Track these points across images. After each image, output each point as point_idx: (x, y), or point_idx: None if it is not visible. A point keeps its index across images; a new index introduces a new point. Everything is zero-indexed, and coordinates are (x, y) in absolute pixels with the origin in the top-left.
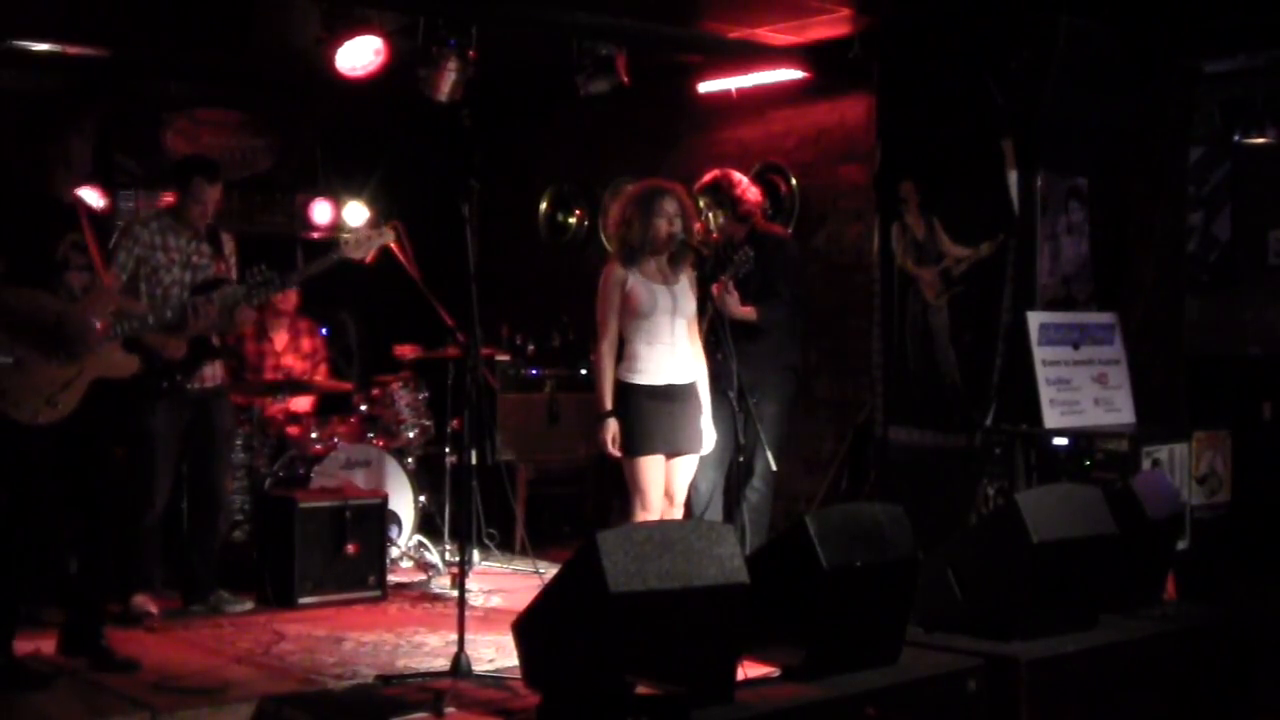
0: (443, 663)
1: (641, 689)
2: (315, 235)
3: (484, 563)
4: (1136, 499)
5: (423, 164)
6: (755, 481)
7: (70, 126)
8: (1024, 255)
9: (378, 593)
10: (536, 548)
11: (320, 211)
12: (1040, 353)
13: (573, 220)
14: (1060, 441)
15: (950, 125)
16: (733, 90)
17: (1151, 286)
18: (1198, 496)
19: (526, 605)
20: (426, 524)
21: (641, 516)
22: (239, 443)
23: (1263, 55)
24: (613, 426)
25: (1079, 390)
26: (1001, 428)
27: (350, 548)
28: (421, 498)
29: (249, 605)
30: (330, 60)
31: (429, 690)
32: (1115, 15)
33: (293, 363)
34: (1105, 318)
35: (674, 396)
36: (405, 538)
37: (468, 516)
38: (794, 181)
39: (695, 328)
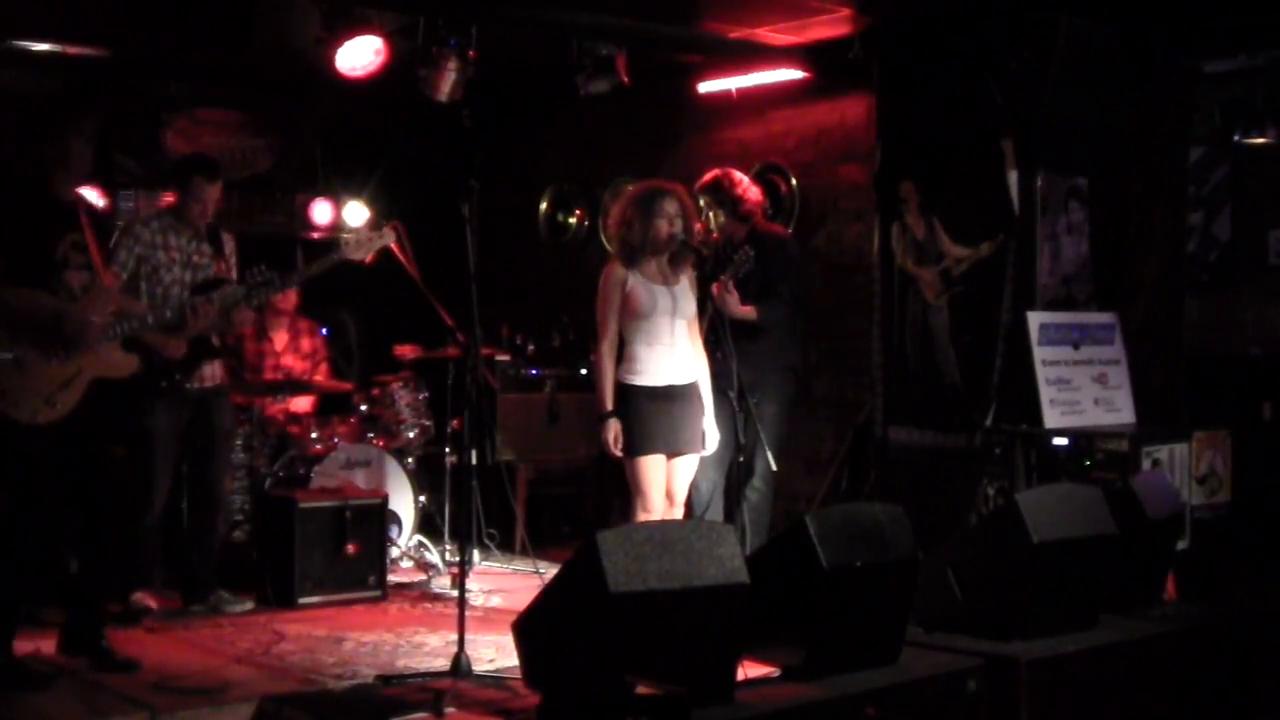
0: (443, 663)
1: (641, 689)
2: (315, 235)
3: (484, 563)
4: (1136, 499)
5: (423, 164)
6: (755, 481)
7: (70, 127)
8: (1024, 255)
9: (378, 593)
10: (536, 548)
11: (320, 211)
12: (1040, 353)
13: (573, 220)
14: (1060, 441)
15: (950, 125)
16: (733, 90)
17: (1151, 286)
18: (1198, 496)
19: (526, 605)
20: (426, 524)
21: (642, 517)
22: (239, 443)
23: (1263, 55)
24: (615, 427)
25: (1079, 390)
26: (1001, 428)
27: (350, 548)
28: (421, 498)
29: (249, 605)
30: (330, 60)
31: (429, 690)
32: (1115, 15)
33: (293, 363)
34: (1105, 318)
35: (674, 397)
36: (405, 538)
37: (468, 516)
38: (794, 181)
39: (696, 328)
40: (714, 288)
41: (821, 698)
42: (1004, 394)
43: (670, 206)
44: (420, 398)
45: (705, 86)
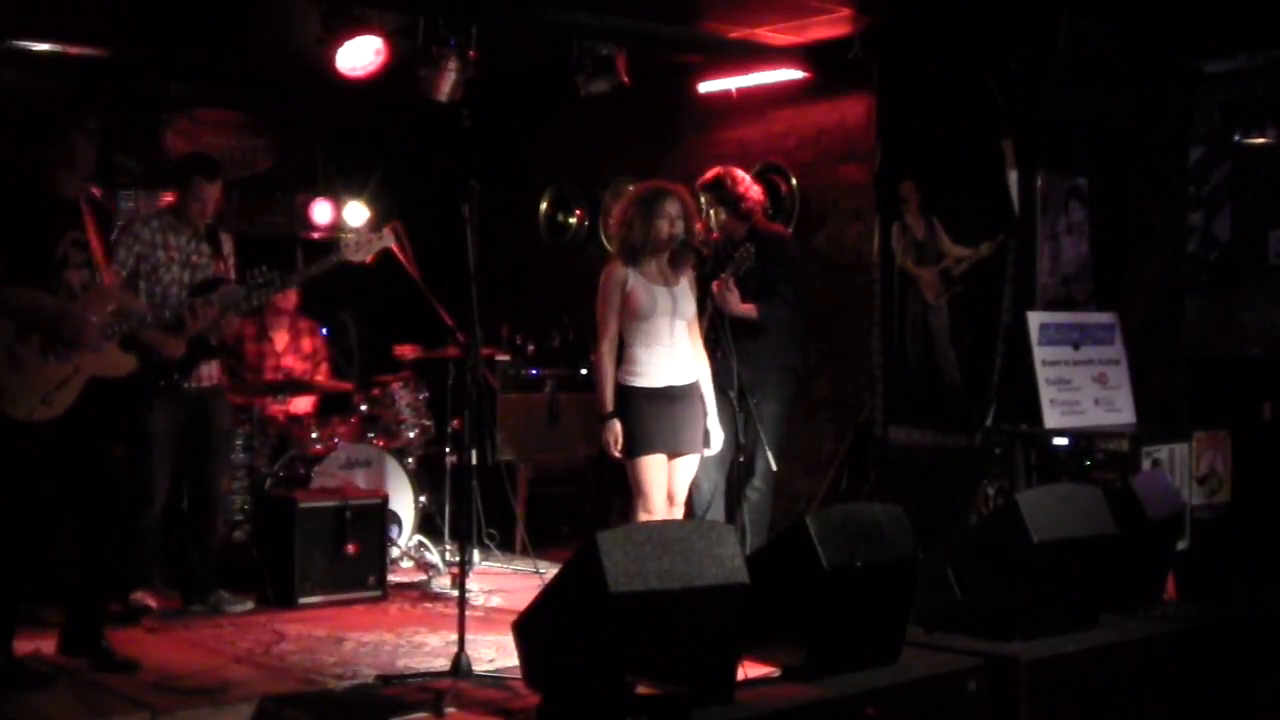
0: (443, 663)
1: (642, 689)
2: (315, 235)
3: (484, 563)
4: (1136, 499)
5: (423, 164)
6: (755, 481)
7: (75, 125)
8: (1024, 255)
9: (378, 593)
10: (536, 548)
11: (320, 211)
12: (1040, 353)
13: (573, 220)
14: (1060, 441)
15: (950, 125)
16: (733, 90)
17: (1151, 286)
18: (1198, 496)
19: (527, 605)
20: (427, 524)
21: (643, 517)
22: (239, 443)
23: (1263, 55)
24: (615, 428)
25: (1079, 390)
26: (1001, 428)
27: (350, 548)
28: (422, 498)
29: (249, 605)
30: (330, 60)
31: (429, 690)
32: (1115, 15)
33: (293, 363)
34: (1105, 318)
35: (674, 397)
36: (405, 538)
37: (468, 516)
38: (794, 181)
39: (696, 328)
40: (714, 285)
41: (821, 698)
42: (1004, 394)
43: (672, 207)
44: (420, 398)
45: (705, 86)
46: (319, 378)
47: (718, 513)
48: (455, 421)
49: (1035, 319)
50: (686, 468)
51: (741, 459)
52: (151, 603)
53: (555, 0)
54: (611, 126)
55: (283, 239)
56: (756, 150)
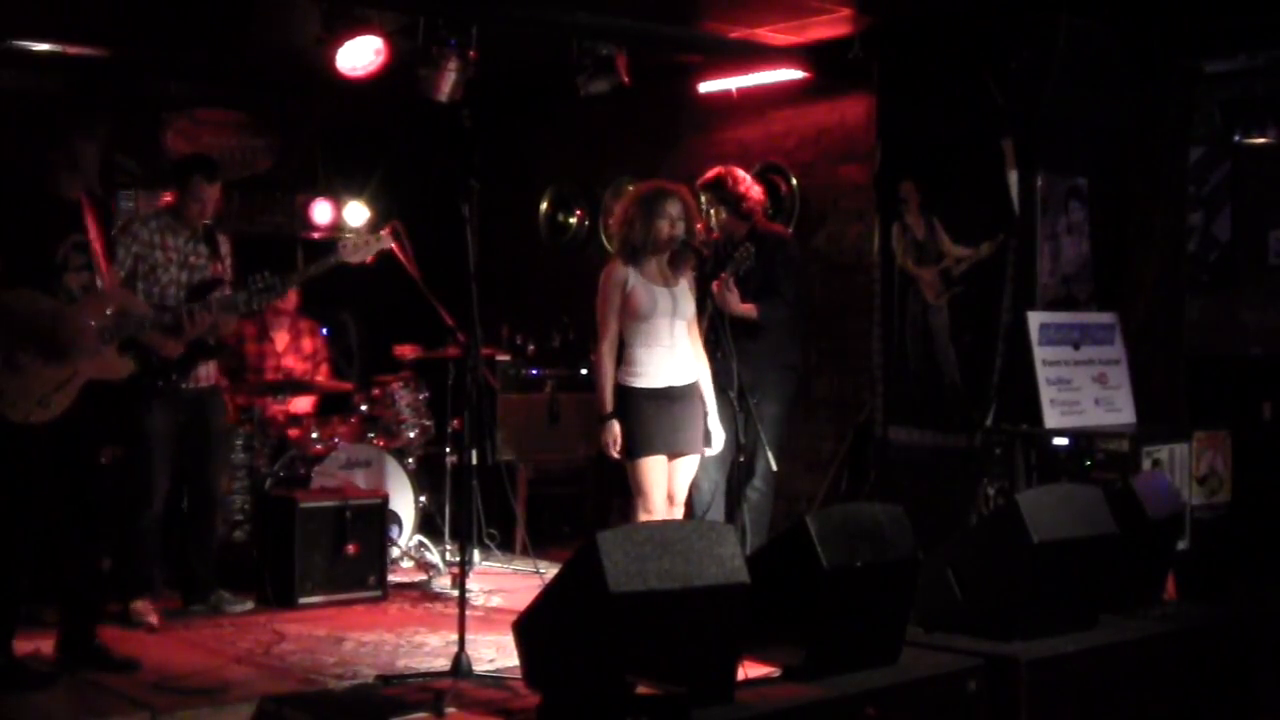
0: (443, 663)
1: (642, 689)
2: (315, 235)
3: (484, 563)
4: (1136, 499)
5: (423, 164)
6: (756, 481)
7: (79, 129)
8: (1024, 255)
9: (378, 593)
10: (536, 548)
11: (320, 211)
12: (1040, 353)
13: (573, 220)
14: (1060, 441)
15: (950, 125)
16: (733, 90)
17: (1151, 286)
18: (1198, 496)
19: (527, 605)
20: (427, 524)
21: (643, 518)
22: (239, 443)
23: (1263, 55)
24: (614, 429)
25: (1079, 390)
26: (1001, 428)
27: (350, 548)
28: (422, 498)
29: (249, 605)
30: (330, 60)
31: (429, 690)
32: (1115, 15)
33: (293, 363)
34: (1105, 318)
35: (674, 398)
36: (405, 538)
37: (468, 516)
38: (794, 181)
39: (695, 328)
40: (714, 285)
41: (821, 698)
42: (1004, 394)
43: (673, 208)
44: (420, 398)
45: (705, 86)
46: (319, 378)
47: (718, 513)
48: (455, 421)
49: (1035, 319)
50: (686, 468)
51: (742, 459)
52: (153, 618)
53: (555, 0)
54: (611, 126)
55: (283, 239)
56: (756, 150)
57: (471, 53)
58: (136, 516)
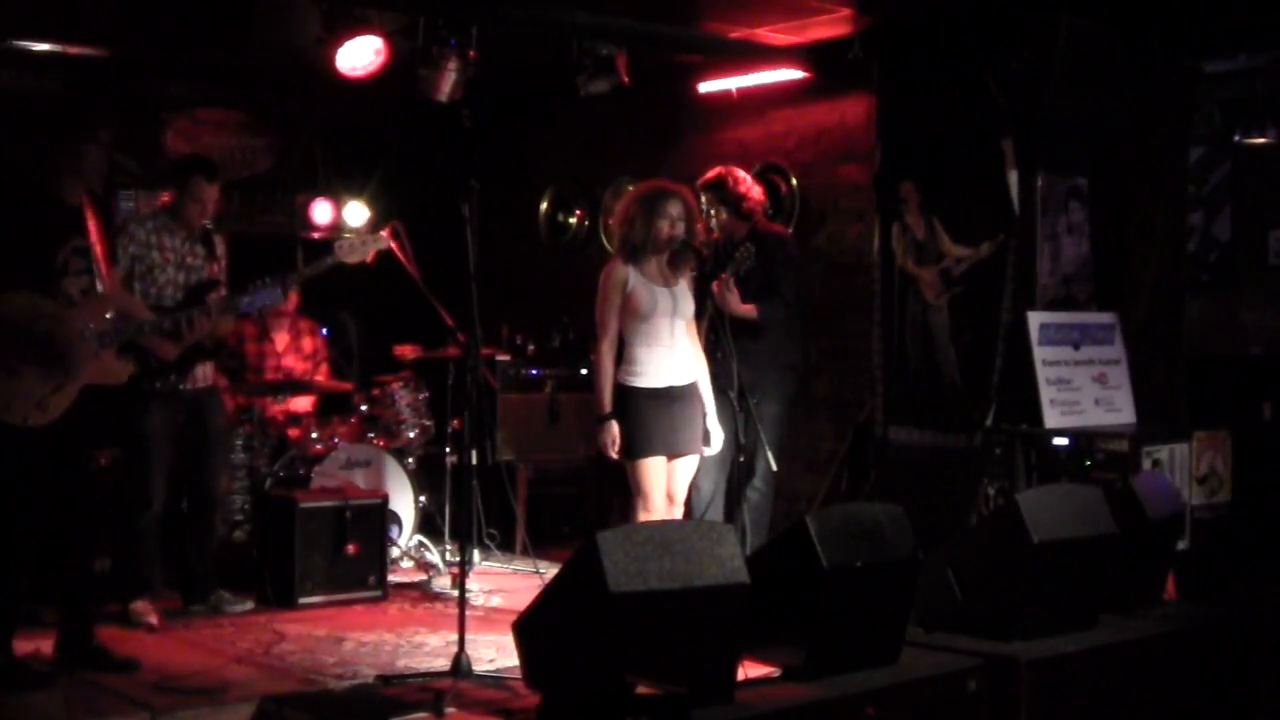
0: (443, 663)
1: (642, 689)
2: (315, 235)
3: (484, 563)
4: (1136, 499)
5: (423, 164)
6: (756, 481)
7: (86, 135)
8: (1024, 255)
9: (378, 593)
10: (536, 548)
11: (320, 211)
12: (1040, 353)
13: (573, 220)
14: (1060, 441)
15: (950, 125)
16: (733, 90)
17: (1151, 286)
18: (1198, 496)
19: (527, 605)
20: (427, 524)
21: (643, 518)
22: (239, 443)
23: (1263, 55)
24: (614, 429)
25: (1079, 390)
26: (1001, 428)
27: (350, 548)
28: (422, 498)
29: (249, 605)
30: (330, 60)
31: (429, 690)
32: (1115, 15)
33: (294, 363)
34: (1105, 318)
35: (674, 398)
36: (405, 538)
37: (468, 516)
38: (794, 181)
39: (695, 328)
40: (714, 285)
41: (821, 698)
42: (1004, 394)
43: (674, 209)
44: (420, 398)
45: (705, 86)
46: (319, 378)
47: (718, 513)
48: (455, 421)
49: (1035, 319)
50: (686, 468)
51: (742, 459)
52: (153, 619)
53: (555, 0)
54: (611, 126)
55: (283, 239)
56: (756, 150)
57: (471, 53)
58: (135, 517)
